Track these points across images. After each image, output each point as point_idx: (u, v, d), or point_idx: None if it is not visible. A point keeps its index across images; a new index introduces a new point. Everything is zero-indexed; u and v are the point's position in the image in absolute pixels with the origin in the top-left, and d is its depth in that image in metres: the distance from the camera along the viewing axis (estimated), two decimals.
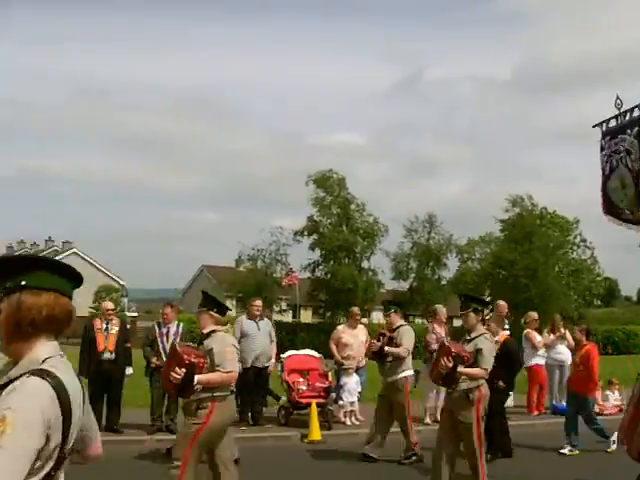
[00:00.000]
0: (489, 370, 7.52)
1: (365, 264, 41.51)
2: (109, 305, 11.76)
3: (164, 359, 10.90)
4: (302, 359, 12.76)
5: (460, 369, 7.28)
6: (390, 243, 42.84)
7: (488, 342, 7.56)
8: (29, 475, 2.08)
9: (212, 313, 6.54)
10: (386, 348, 9.60)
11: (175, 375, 6.16)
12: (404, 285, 44.33)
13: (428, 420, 12.08)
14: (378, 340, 9.80)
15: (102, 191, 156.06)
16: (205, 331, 6.46)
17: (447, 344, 7.63)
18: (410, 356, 9.77)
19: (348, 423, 12.13)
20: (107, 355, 10.89)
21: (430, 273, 43.59)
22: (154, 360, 10.93)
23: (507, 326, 13.32)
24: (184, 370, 6.12)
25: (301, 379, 12.23)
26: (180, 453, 6.26)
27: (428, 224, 44.03)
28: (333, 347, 12.66)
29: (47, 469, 2.18)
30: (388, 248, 42.98)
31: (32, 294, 2.33)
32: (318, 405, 11.22)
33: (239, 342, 11.83)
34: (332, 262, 40.39)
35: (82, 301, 53.60)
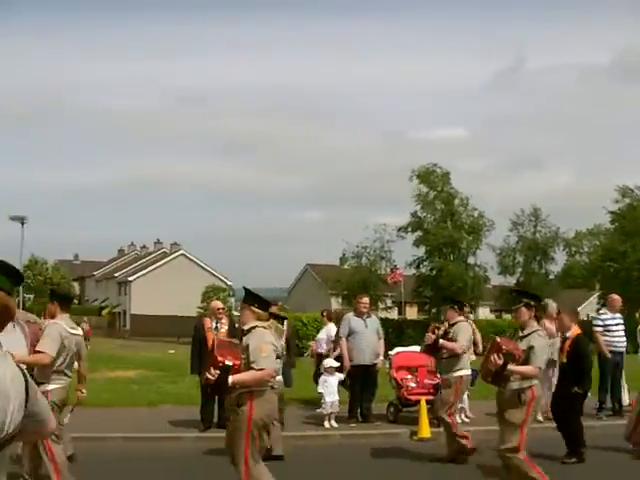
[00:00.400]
0: (542, 369, 7.19)
1: (471, 260, 40.97)
2: (219, 304, 12.03)
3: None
4: (410, 356, 12.67)
5: (511, 367, 6.94)
6: (495, 238, 42.10)
7: (541, 339, 7.17)
8: None
9: (253, 309, 6.43)
10: (440, 341, 9.42)
11: (209, 376, 6.19)
12: (511, 280, 43.50)
13: (540, 418, 11.77)
14: (433, 333, 9.61)
15: (207, 194, 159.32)
16: (246, 327, 6.38)
17: (498, 340, 7.22)
18: (467, 355, 9.55)
19: (327, 426, 11.58)
20: None
21: (537, 267, 42.61)
22: None
23: (621, 321, 12.89)
24: (218, 372, 6.14)
25: (409, 376, 12.18)
26: (238, 453, 6.22)
27: (534, 217, 43.09)
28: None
29: None
30: (494, 243, 42.23)
31: None
32: (427, 402, 11.15)
33: (347, 339, 11.99)
34: (437, 258, 40.05)
35: (190, 301, 55.23)
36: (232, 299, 59.20)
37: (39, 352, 6.98)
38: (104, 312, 71.82)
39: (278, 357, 6.78)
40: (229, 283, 68.52)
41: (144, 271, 72.70)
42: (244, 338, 6.33)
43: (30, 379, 2.53)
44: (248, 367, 6.15)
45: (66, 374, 7.35)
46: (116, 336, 58.54)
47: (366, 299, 12.59)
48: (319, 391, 11.91)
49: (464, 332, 9.54)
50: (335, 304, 52.25)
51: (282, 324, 9.76)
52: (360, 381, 11.92)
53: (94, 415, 12.48)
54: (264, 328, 6.34)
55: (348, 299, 42.16)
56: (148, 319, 53.72)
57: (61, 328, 7.22)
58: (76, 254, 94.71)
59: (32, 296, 57.31)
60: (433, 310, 40.83)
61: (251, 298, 6.54)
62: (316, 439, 10.91)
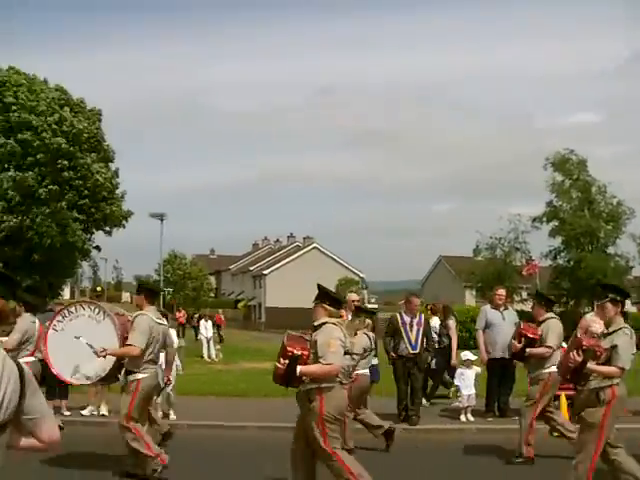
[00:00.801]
0: (626, 369, 6.55)
1: (611, 250, 39.21)
2: (354, 296, 12.03)
3: (410, 349, 11.03)
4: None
5: (590, 365, 6.47)
6: (636, 226, 39.96)
7: (626, 337, 6.58)
8: None
9: (325, 306, 6.53)
10: (527, 350, 9.03)
11: (279, 365, 6.31)
12: None
13: None
14: (519, 341, 9.14)
15: (339, 187, 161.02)
16: (316, 323, 6.50)
17: (579, 336, 6.84)
18: (559, 350, 8.91)
19: (463, 419, 11.35)
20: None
21: None
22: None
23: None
24: (286, 361, 6.26)
25: None
26: (321, 449, 6.27)
27: None
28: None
29: None
30: (634, 231, 40.15)
31: None
32: (567, 397, 10.72)
33: (484, 332, 11.72)
34: (575, 249, 38.61)
35: None
36: (365, 291, 59.46)
37: (129, 345, 7.47)
38: (240, 305, 73.83)
39: (347, 353, 6.86)
40: (362, 276, 68.83)
41: (278, 264, 74.09)
42: (313, 334, 6.47)
43: (27, 375, 2.78)
44: (316, 361, 6.25)
45: (155, 363, 7.80)
46: (251, 328, 60.08)
47: (502, 291, 12.28)
48: (455, 384, 11.73)
49: (553, 330, 9.10)
50: (469, 296, 51.34)
51: (371, 318, 9.63)
52: (497, 374, 11.63)
53: (231, 404, 12.84)
54: (334, 325, 6.47)
55: (482, 291, 41.38)
56: (282, 311, 54.63)
57: (149, 319, 7.64)
58: (212, 249, 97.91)
59: (171, 289, 59.67)
60: (571, 302, 39.44)
61: (323, 296, 6.66)
62: (452, 433, 10.75)
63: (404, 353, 10.97)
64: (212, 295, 75.96)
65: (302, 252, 74.96)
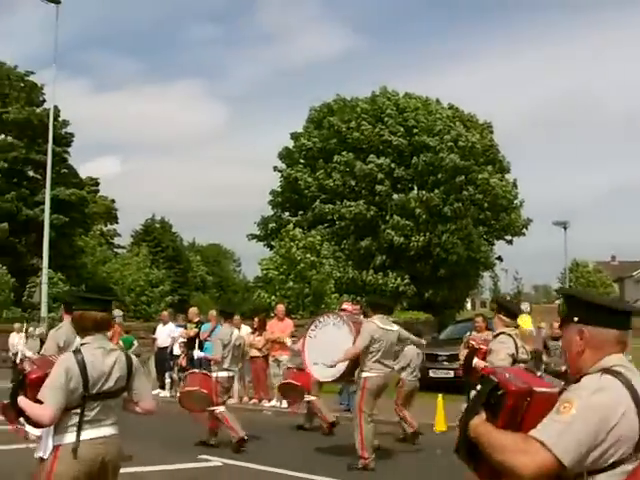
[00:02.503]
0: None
1: None
2: None
3: None
4: None
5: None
6: None
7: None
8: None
9: (501, 316, 7.29)
10: None
11: (461, 356, 7.87)
12: None
13: None
14: None
15: None
16: (494, 333, 7.43)
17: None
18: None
19: None
20: None
21: None
22: None
23: None
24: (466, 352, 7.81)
25: None
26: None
27: None
28: None
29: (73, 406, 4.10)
30: None
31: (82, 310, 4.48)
32: None
33: None
34: None
35: None
36: None
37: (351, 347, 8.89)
38: None
39: (523, 362, 6.92)
40: None
41: None
42: (490, 342, 7.42)
43: (135, 363, 4.49)
44: None
45: (384, 364, 8.94)
46: None
47: None
48: None
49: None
50: None
51: None
52: None
53: None
54: (508, 335, 7.12)
55: None
56: None
57: (373, 326, 8.90)
58: (613, 255, 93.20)
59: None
60: None
61: (500, 308, 7.47)
62: None
63: None
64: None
65: None
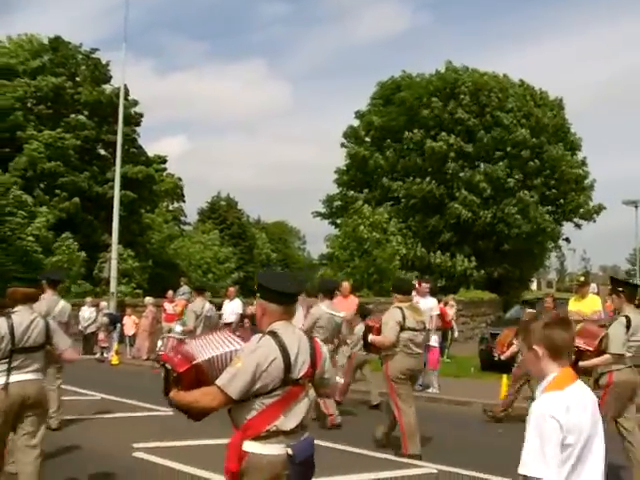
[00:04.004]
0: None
1: None
2: None
3: None
4: None
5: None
6: None
7: None
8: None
9: (620, 294, 7.27)
10: None
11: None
12: None
13: None
14: None
15: None
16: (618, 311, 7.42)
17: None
18: None
19: None
20: None
21: None
22: None
23: None
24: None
25: None
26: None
27: None
28: None
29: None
30: None
31: None
32: None
33: None
34: None
35: None
36: None
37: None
38: None
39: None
40: None
41: None
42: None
43: (52, 325, 6.00)
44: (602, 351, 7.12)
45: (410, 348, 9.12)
46: None
47: None
48: None
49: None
50: None
51: None
52: None
53: None
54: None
55: None
56: None
57: (398, 314, 8.57)
58: None
59: None
60: None
61: (617, 284, 7.50)
62: None
63: None
64: None
65: None
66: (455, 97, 35.33)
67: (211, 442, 4.98)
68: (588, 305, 11.51)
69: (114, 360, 18.83)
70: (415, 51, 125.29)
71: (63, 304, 9.64)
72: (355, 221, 29.15)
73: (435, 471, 7.50)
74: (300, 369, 3.75)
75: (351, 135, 39.33)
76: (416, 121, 35.60)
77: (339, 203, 38.68)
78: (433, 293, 14.64)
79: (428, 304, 13.48)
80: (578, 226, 37.85)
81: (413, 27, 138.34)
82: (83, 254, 33.63)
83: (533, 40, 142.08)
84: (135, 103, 40.66)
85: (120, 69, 34.28)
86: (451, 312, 19.16)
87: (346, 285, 14.80)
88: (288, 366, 3.70)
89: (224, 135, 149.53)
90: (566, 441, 2.74)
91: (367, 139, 38.66)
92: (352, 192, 37.60)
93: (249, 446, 3.66)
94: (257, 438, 3.66)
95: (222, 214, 57.39)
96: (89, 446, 8.22)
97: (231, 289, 18.25)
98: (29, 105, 37.57)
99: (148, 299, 21.59)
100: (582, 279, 12.77)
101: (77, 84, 39.51)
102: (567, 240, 39.44)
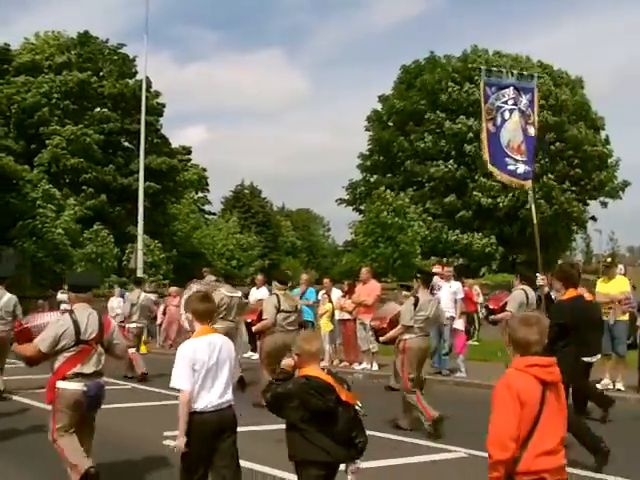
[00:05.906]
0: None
1: None
2: None
3: None
4: None
5: None
6: None
7: None
8: None
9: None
10: None
11: None
12: None
13: None
14: None
15: None
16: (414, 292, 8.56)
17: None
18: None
19: None
20: None
21: None
22: None
23: None
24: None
25: None
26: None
27: None
28: None
29: None
30: None
31: None
32: None
33: None
34: None
35: None
36: None
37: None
38: None
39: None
40: None
41: None
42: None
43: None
44: None
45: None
46: None
47: None
48: None
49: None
50: None
51: None
52: None
53: None
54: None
55: None
56: None
57: (275, 299, 10.16)
58: None
59: None
60: None
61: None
62: None
63: None
64: None
65: None
66: (472, 79, 35.12)
67: (242, 429, 5.03)
68: (616, 286, 11.46)
69: (142, 349, 19.00)
70: (434, 35, 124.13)
71: (9, 296, 10.97)
72: (378, 207, 29.10)
73: (466, 455, 7.50)
74: (90, 334, 5.87)
75: (374, 119, 39.21)
76: (437, 104, 35.44)
77: (362, 189, 38.62)
78: (457, 277, 14.61)
79: (452, 288, 13.46)
80: (604, 204, 37.44)
81: (429, 10, 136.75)
82: (116, 248, 34.05)
83: (553, 21, 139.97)
84: (157, 94, 40.82)
85: (142, 61, 34.28)
86: (479, 299, 19.03)
87: (364, 271, 14.77)
88: (78, 332, 5.80)
89: (245, 124, 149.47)
90: (195, 367, 4.75)
91: (390, 124, 38.52)
92: (375, 176, 37.49)
93: (59, 383, 5.80)
94: (64, 378, 5.78)
95: (246, 203, 57.55)
96: (120, 435, 8.34)
97: (259, 277, 18.26)
98: (54, 101, 37.91)
99: (173, 289, 21.74)
100: (609, 260, 12.68)
101: (102, 78, 39.74)
102: (593, 218, 39.06)
